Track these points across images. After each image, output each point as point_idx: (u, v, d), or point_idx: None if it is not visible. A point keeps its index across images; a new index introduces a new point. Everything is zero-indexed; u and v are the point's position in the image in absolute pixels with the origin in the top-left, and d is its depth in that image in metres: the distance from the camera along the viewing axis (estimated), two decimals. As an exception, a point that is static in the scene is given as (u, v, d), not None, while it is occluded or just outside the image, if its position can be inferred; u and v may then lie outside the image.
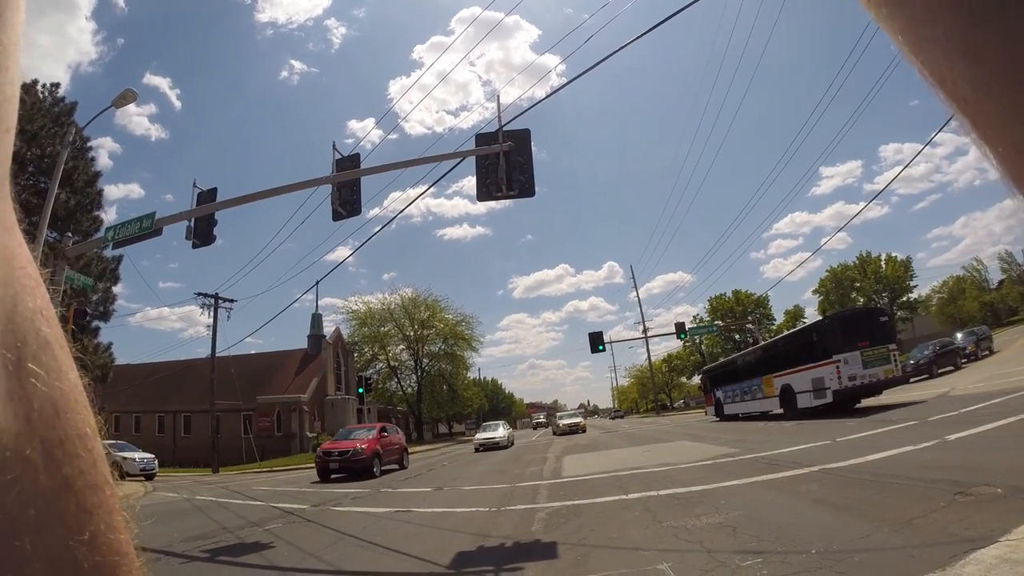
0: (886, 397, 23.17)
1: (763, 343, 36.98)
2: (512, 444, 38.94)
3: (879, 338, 22.70)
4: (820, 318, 31.59)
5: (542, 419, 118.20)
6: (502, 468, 19.71)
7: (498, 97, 14.83)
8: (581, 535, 7.47)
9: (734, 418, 33.22)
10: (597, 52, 13.28)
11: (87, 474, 0.48)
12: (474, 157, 13.31)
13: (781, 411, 27.05)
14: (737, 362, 35.49)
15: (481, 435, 39.18)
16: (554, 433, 52.52)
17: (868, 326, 23.46)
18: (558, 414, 66.39)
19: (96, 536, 0.47)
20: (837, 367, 22.09)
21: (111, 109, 19.84)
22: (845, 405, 22.57)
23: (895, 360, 22.32)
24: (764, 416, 29.61)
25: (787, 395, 26.21)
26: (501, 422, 44.43)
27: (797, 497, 7.84)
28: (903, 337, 66.70)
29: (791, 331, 33.21)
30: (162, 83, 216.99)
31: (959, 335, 37.60)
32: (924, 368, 32.14)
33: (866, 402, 23.23)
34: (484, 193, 13.26)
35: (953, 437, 10.34)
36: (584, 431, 46.47)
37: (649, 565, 5.63)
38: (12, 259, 0.45)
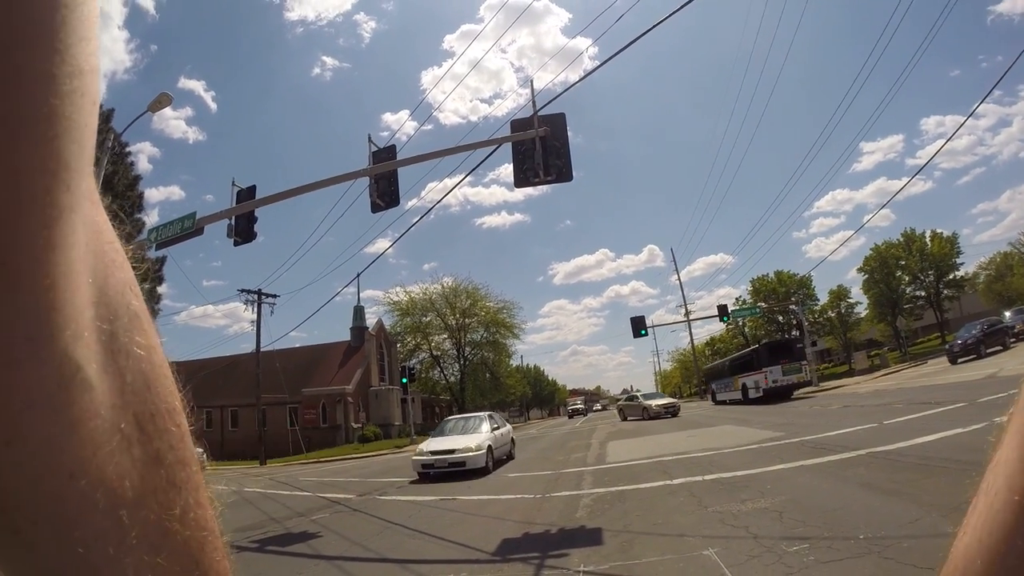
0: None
1: (732, 356, 51.78)
2: (508, 457, 19.71)
3: (795, 357, 36.71)
4: (758, 344, 45.85)
5: (579, 405, 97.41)
6: (546, 455, 19.77)
7: (531, 82, 14.85)
8: (626, 521, 7.48)
9: (723, 403, 44.87)
10: (629, 32, 13.19)
11: (176, 449, 0.49)
12: (510, 144, 13.29)
13: (741, 398, 39.73)
14: (724, 366, 49.25)
15: (430, 445, 17.96)
16: (625, 419, 41.36)
17: (788, 350, 37.80)
18: (641, 393, 47.13)
19: (186, 511, 0.48)
20: (765, 375, 35.78)
21: (148, 114, 20.23)
22: (775, 397, 34.80)
23: (805, 371, 36.71)
24: (735, 401, 41.40)
25: (744, 389, 39.30)
26: (485, 415, 20.75)
27: (844, 481, 7.75)
28: (950, 316, 65.43)
29: (746, 350, 47.20)
30: (197, 86, 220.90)
31: (1007, 313, 36.49)
32: (972, 348, 31.31)
33: (801, 392, 36.47)
34: (521, 179, 13.23)
35: (1002, 419, 10.14)
36: (677, 414, 35.50)
37: (695, 551, 5.61)
38: (101, 233, 0.46)
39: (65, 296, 0.39)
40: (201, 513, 0.51)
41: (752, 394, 37.53)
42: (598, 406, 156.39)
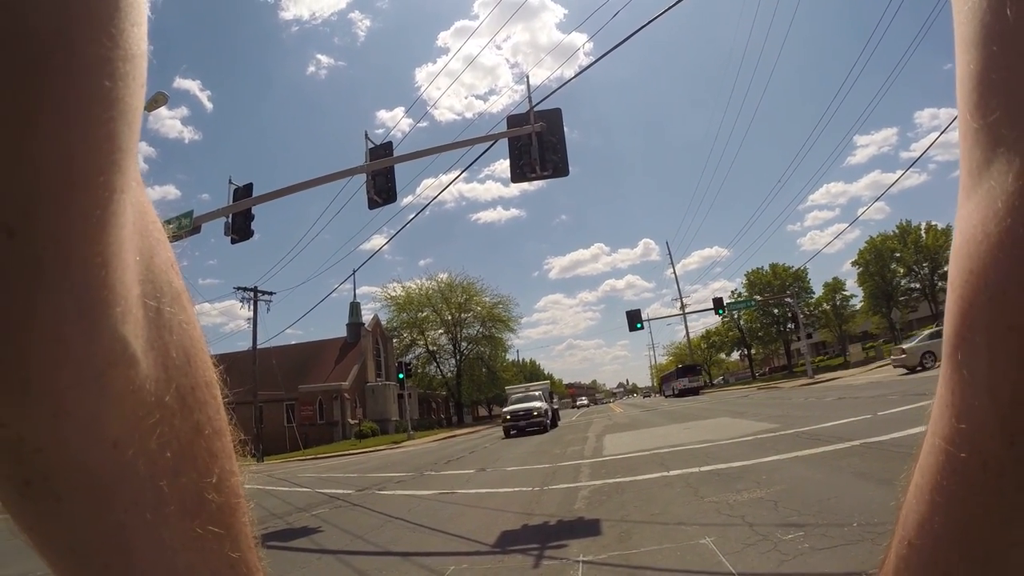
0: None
1: (667, 372, 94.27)
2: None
3: (696, 373, 70.29)
4: (680, 366, 77.90)
5: (536, 402, 33.41)
6: (543, 449, 19.76)
7: (527, 78, 14.81)
8: (624, 512, 7.53)
9: (669, 396, 75.17)
10: (625, 27, 13.24)
11: (214, 420, 0.53)
12: (506, 139, 13.32)
13: (672, 394, 72.71)
14: (666, 376, 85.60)
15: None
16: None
17: (692, 369, 70.46)
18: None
19: (222, 478, 0.52)
20: (680, 382, 68.76)
21: (143, 113, 20.15)
22: (688, 393, 63.32)
23: (700, 380, 71.54)
24: (671, 395, 73.29)
25: (673, 389, 72.44)
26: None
27: (838, 471, 7.82)
28: (944, 309, 65.51)
29: (676, 368, 79.60)
30: (192, 86, 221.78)
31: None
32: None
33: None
34: (518, 175, 13.28)
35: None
36: None
37: (692, 539, 5.67)
38: (146, 213, 0.48)
39: (115, 274, 0.40)
40: (234, 480, 0.54)
41: (677, 390, 68.91)
42: (583, 400, 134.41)
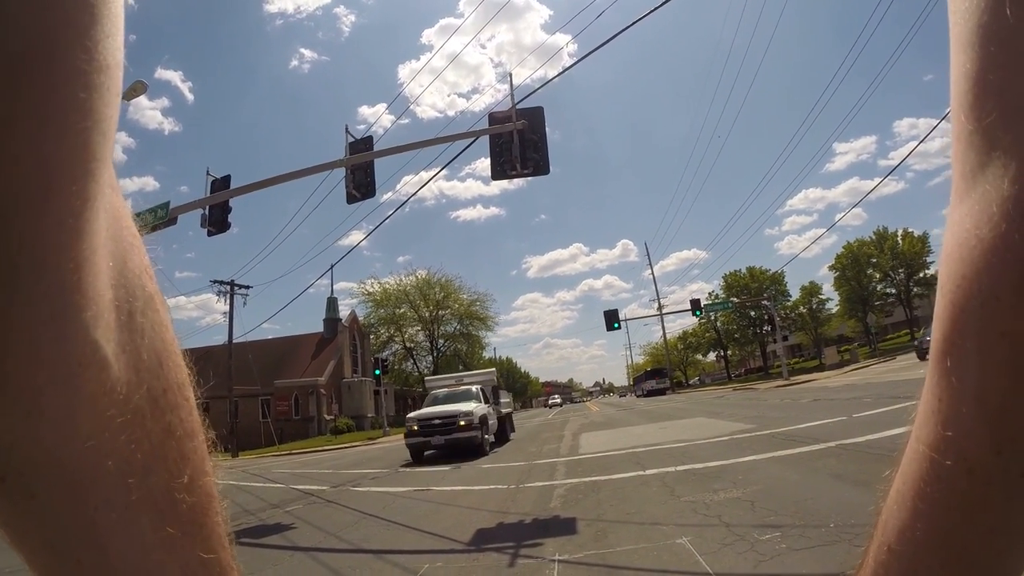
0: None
1: (639, 374, 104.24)
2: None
3: (663, 376, 79.69)
4: (648, 369, 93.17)
5: (466, 403, 19.76)
6: (519, 447, 19.80)
7: (510, 75, 14.75)
8: (600, 511, 7.53)
9: (641, 396, 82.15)
10: (608, 28, 13.22)
11: (185, 422, 0.53)
12: (487, 137, 13.27)
13: (643, 393, 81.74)
14: (639, 378, 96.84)
15: None
16: None
17: (660, 373, 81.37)
18: None
19: (193, 479, 0.52)
20: (648, 384, 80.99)
21: (122, 103, 19.93)
22: (654, 394, 71.86)
23: (667, 383, 77.77)
24: (641, 395, 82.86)
25: (643, 389, 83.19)
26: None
27: (815, 472, 7.86)
28: (919, 314, 66.32)
29: (645, 371, 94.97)
30: (174, 77, 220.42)
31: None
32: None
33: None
34: (499, 172, 13.23)
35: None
36: None
37: (668, 539, 5.67)
38: (120, 219, 0.48)
39: (87, 279, 0.41)
40: (206, 481, 0.54)
41: (646, 390, 78.56)
42: (556, 398, 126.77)
